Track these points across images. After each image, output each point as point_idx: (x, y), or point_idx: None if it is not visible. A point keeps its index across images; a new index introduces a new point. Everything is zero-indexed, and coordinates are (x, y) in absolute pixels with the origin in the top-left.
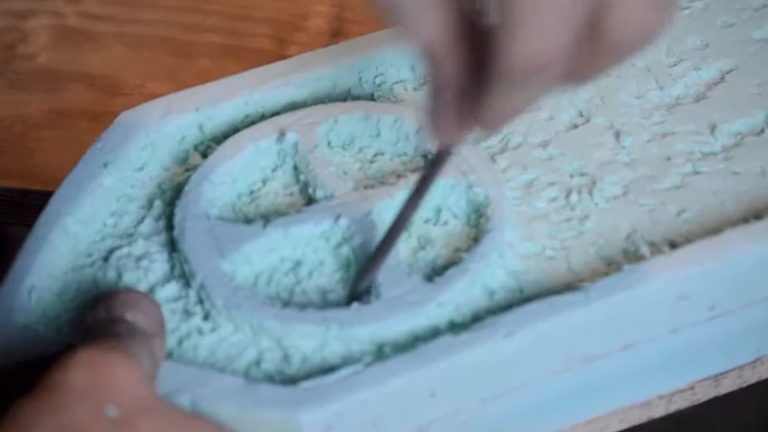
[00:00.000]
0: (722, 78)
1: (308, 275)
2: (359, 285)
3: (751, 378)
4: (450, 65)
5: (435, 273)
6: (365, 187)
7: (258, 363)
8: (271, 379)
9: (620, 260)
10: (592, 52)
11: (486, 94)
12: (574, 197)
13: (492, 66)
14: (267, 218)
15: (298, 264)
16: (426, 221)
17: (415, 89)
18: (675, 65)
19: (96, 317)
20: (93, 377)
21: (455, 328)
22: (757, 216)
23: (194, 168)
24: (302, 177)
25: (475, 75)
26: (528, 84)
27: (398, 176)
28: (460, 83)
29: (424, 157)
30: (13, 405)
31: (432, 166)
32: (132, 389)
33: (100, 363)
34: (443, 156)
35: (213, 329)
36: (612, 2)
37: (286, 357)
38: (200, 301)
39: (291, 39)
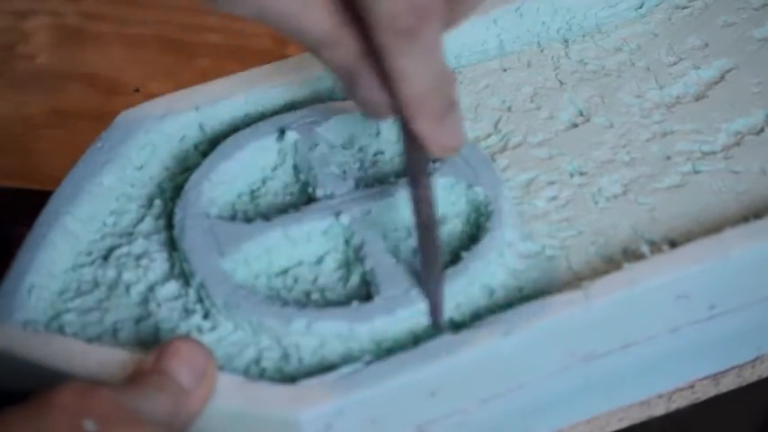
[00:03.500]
0: (722, 77)
1: (308, 274)
2: (437, 308)
3: (751, 377)
4: (348, 48)
5: None
6: (365, 187)
7: (258, 361)
8: (270, 377)
9: (620, 259)
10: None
11: (387, 64)
12: (574, 196)
13: (377, 34)
14: (267, 217)
15: (298, 263)
16: None
17: None
18: (675, 64)
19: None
20: (78, 398)
21: (455, 326)
22: (757, 215)
23: (194, 168)
24: (302, 177)
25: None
26: (416, 33)
27: (398, 176)
28: (366, 59)
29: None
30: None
31: (414, 166)
32: (114, 406)
33: (87, 389)
34: (417, 155)
35: (213, 328)
36: None
37: (285, 356)
38: (200, 300)
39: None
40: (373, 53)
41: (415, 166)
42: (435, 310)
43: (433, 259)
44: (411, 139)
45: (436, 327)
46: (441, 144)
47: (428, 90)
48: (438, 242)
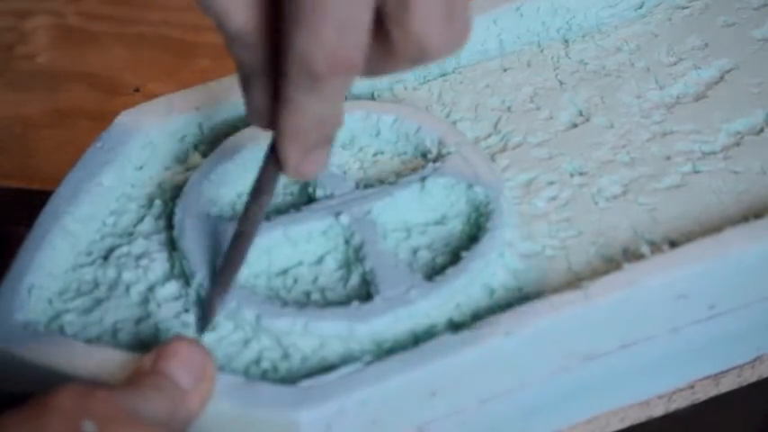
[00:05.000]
0: (722, 78)
1: (308, 274)
2: (210, 310)
3: (751, 377)
4: (257, 54)
5: (435, 272)
6: (365, 187)
7: (258, 361)
8: (270, 378)
9: (620, 259)
10: (383, 55)
11: (284, 90)
12: (574, 196)
13: (287, 62)
14: (267, 217)
15: (298, 263)
16: (426, 221)
17: (415, 89)
18: (675, 64)
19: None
20: (77, 399)
21: (455, 326)
22: (757, 215)
23: (194, 168)
24: None
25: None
26: (322, 80)
27: (398, 176)
28: (269, 72)
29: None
30: None
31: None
32: (113, 407)
33: (85, 391)
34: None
35: (213, 328)
36: (400, 17)
37: (285, 356)
38: (200, 300)
39: None
40: (277, 71)
41: (264, 180)
42: (209, 311)
43: (232, 267)
44: (273, 156)
45: (202, 326)
46: (297, 171)
47: (309, 126)
48: (243, 256)
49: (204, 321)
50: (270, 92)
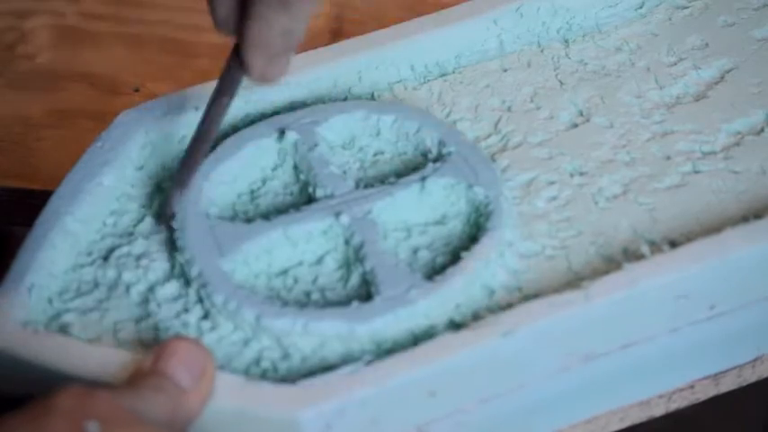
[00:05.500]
0: (722, 78)
1: (308, 274)
2: (168, 205)
3: (751, 377)
4: None
5: (435, 272)
6: (365, 187)
7: (258, 361)
8: (270, 377)
9: (620, 259)
10: None
11: (255, 6)
12: (574, 196)
13: None
14: (267, 217)
15: (298, 263)
16: (426, 221)
17: (414, 89)
18: (675, 64)
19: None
20: (78, 401)
21: (455, 326)
22: (757, 215)
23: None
24: (302, 177)
25: None
26: (294, 4)
27: (398, 176)
28: None
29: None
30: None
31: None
32: (114, 407)
33: (86, 392)
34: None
35: (213, 328)
36: None
37: (285, 356)
38: (200, 300)
39: None
40: None
41: (228, 82)
42: (167, 206)
43: (191, 164)
44: (237, 61)
45: (159, 221)
46: (262, 76)
47: (276, 38)
48: (202, 154)
49: (162, 216)
50: (237, 3)
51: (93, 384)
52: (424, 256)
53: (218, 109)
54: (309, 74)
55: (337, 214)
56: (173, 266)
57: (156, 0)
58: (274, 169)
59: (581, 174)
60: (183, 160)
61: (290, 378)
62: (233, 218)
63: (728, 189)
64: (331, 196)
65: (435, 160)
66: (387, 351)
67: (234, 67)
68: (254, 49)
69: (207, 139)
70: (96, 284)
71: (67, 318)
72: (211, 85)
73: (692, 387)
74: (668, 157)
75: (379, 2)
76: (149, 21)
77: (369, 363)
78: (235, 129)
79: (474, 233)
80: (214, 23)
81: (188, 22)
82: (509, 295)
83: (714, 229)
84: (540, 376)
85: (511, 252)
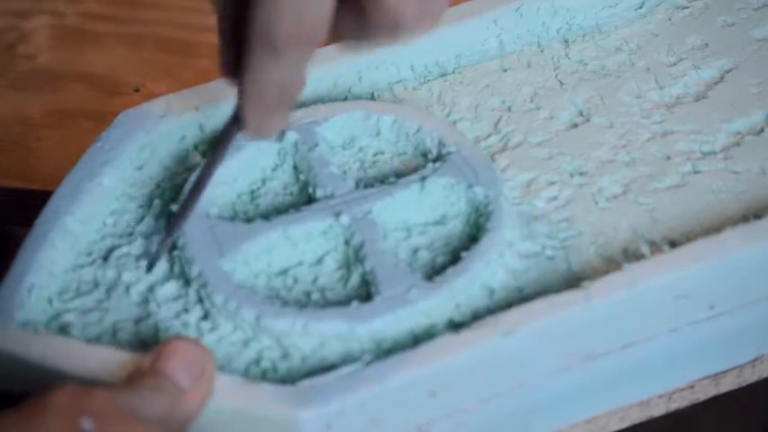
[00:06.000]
0: (722, 78)
1: (308, 274)
2: (157, 252)
3: (751, 377)
4: (227, 17)
5: (435, 272)
6: (365, 187)
7: (257, 362)
8: (270, 378)
9: (620, 259)
10: (359, 27)
11: (247, 57)
12: (574, 196)
13: (250, 31)
14: (267, 217)
15: (298, 263)
16: (426, 221)
17: (414, 89)
18: (675, 64)
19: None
20: (74, 398)
21: (455, 326)
22: (757, 215)
23: (194, 168)
24: (302, 177)
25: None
26: (283, 52)
27: (398, 176)
28: (236, 34)
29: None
30: None
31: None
32: (110, 405)
33: (82, 390)
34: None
35: (212, 329)
36: None
37: (285, 356)
38: (200, 301)
39: None
40: (242, 37)
41: (226, 136)
42: (156, 254)
43: (183, 214)
44: (235, 115)
45: (148, 266)
46: (257, 130)
47: (270, 90)
48: (193, 206)
49: (150, 262)
50: (236, 53)
51: (91, 384)
52: (424, 256)
53: (214, 162)
54: (309, 74)
55: (337, 214)
56: (172, 266)
57: (156, 0)
58: (274, 169)
59: (581, 174)
60: (178, 211)
61: (290, 378)
62: (233, 218)
63: (728, 189)
64: (331, 196)
65: (435, 160)
66: (387, 351)
67: (232, 122)
68: (248, 103)
69: (201, 191)
70: (96, 284)
71: (67, 318)
72: (211, 85)
73: (691, 387)
74: (668, 157)
75: None
76: (149, 21)
77: (369, 363)
78: None
79: (474, 233)
80: (221, 71)
81: (188, 22)
82: (509, 295)
83: (714, 229)
84: (540, 376)
85: (511, 252)
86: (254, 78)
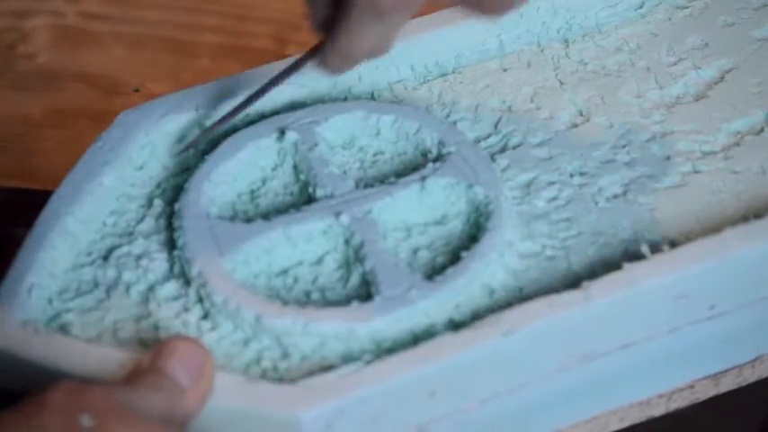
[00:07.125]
0: (722, 77)
1: (308, 274)
2: (206, 131)
3: (751, 377)
4: None
5: (435, 272)
6: (365, 186)
7: (258, 361)
8: (270, 377)
9: (620, 259)
10: None
11: (348, 16)
12: (574, 196)
13: None
14: (267, 217)
15: (298, 263)
16: (426, 221)
17: (414, 89)
18: (675, 64)
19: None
20: (72, 395)
21: (455, 326)
22: (757, 215)
23: (194, 168)
24: (302, 177)
25: None
26: (386, 18)
27: (398, 176)
28: None
29: None
30: None
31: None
32: (109, 402)
33: (80, 387)
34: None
35: (213, 328)
36: None
37: (285, 356)
38: (200, 300)
39: (291, 39)
40: None
41: (298, 65)
42: (197, 140)
43: (239, 110)
44: (316, 52)
45: (187, 146)
46: (335, 73)
47: (361, 48)
48: (250, 103)
49: (189, 145)
50: (332, 7)
51: (88, 381)
52: (424, 256)
53: (281, 77)
54: (309, 74)
55: (337, 214)
56: (172, 266)
57: (156, 0)
58: (274, 169)
59: (581, 174)
60: (235, 108)
61: (290, 378)
62: (233, 218)
63: (728, 189)
64: (331, 196)
65: (435, 160)
66: (387, 351)
67: (311, 57)
68: (338, 54)
69: (261, 95)
70: (96, 284)
71: (67, 317)
72: (211, 85)
73: (691, 387)
74: (668, 157)
75: None
76: (149, 21)
77: (369, 363)
78: (235, 129)
79: (474, 233)
80: (310, 23)
81: (188, 22)
82: (509, 295)
83: (714, 229)
84: (540, 376)
85: (511, 252)
86: (349, 36)
